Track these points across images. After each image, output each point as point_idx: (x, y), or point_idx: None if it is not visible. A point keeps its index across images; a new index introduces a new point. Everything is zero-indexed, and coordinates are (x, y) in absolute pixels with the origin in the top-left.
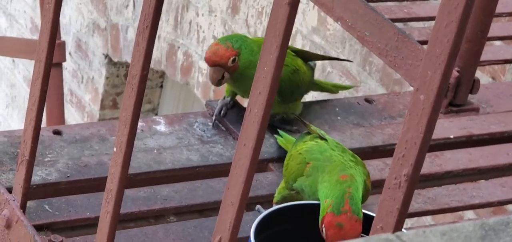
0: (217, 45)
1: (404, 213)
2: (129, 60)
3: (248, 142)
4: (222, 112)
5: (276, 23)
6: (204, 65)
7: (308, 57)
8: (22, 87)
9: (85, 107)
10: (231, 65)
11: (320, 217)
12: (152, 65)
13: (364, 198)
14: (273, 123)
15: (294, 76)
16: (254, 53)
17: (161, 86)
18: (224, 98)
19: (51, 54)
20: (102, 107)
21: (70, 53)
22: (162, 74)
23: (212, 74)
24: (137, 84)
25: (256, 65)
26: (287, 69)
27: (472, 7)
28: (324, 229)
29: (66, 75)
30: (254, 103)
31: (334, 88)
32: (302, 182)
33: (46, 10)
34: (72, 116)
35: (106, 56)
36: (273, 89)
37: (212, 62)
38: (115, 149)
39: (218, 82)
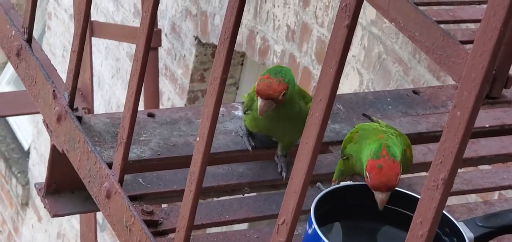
0: (269, 78)
1: (440, 210)
2: (215, 42)
3: (309, 141)
4: (251, 142)
5: (335, 42)
6: (278, 49)
7: None
8: (125, 61)
9: (177, 80)
10: (281, 99)
11: (364, 169)
12: (235, 47)
13: (405, 166)
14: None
15: None
16: (294, 87)
17: (242, 64)
18: (243, 131)
19: (146, 57)
20: (192, 81)
21: (166, 35)
22: (243, 55)
23: (263, 106)
24: (218, 85)
25: (293, 100)
26: None
27: (504, 38)
28: (367, 175)
29: (162, 53)
30: (316, 109)
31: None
32: (350, 148)
33: (143, 18)
34: (166, 87)
35: (196, 38)
36: (332, 97)
37: (266, 96)
38: (198, 139)
39: (265, 113)
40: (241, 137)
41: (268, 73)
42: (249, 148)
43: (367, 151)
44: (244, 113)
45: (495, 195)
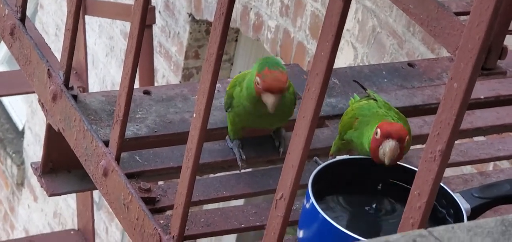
0: (272, 72)
1: (438, 182)
2: (209, 19)
3: (306, 115)
4: (242, 156)
5: (331, 16)
6: (272, 24)
7: None
8: (119, 39)
9: (172, 58)
10: (286, 88)
11: (367, 150)
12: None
13: (404, 150)
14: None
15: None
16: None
17: (236, 40)
18: (232, 142)
19: (141, 35)
20: (186, 58)
21: (159, 12)
22: (237, 31)
23: (277, 102)
24: (214, 61)
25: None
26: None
27: (500, 8)
28: (378, 133)
29: (156, 30)
30: (312, 83)
31: None
32: (351, 134)
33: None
34: (160, 65)
35: (190, 15)
36: (329, 71)
37: (279, 90)
38: (194, 115)
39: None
40: (231, 148)
41: (267, 67)
42: (240, 163)
43: (368, 136)
44: (226, 111)
45: (491, 166)
